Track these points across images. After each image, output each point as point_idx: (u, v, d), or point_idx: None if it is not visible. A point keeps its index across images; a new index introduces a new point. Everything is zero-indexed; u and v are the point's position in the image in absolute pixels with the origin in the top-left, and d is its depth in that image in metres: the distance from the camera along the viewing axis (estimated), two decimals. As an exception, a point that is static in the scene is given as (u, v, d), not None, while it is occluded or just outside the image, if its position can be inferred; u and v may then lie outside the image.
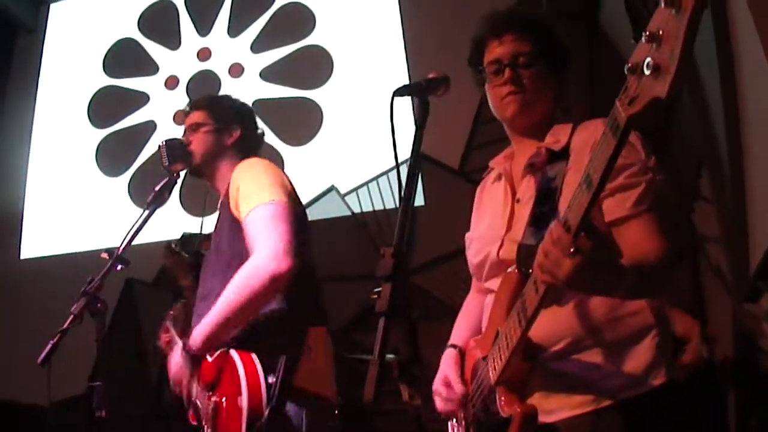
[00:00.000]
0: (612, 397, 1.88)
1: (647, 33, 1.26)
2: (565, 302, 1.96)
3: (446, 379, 2.22)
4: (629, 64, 1.32)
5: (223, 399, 2.57)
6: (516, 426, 1.84)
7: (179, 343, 2.83)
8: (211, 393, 2.64)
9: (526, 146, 2.20)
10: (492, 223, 2.20)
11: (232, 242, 2.81)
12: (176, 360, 2.82)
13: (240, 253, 2.71)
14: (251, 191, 2.78)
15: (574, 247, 1.52)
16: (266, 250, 2.59)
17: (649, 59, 1.26)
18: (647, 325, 1.94)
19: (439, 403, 2.24)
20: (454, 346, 2.30)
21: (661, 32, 1.25)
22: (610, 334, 1.93)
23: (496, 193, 2.27)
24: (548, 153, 2.09)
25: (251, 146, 3.23)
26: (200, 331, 2.68)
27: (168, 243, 3.29)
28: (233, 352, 2.60)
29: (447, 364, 2.26)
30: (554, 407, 1.92)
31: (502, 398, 1.90)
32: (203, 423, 2.65)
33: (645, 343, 1.92)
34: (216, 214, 3.10)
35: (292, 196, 2.88)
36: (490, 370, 1.95)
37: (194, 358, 2.72)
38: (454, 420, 2.20)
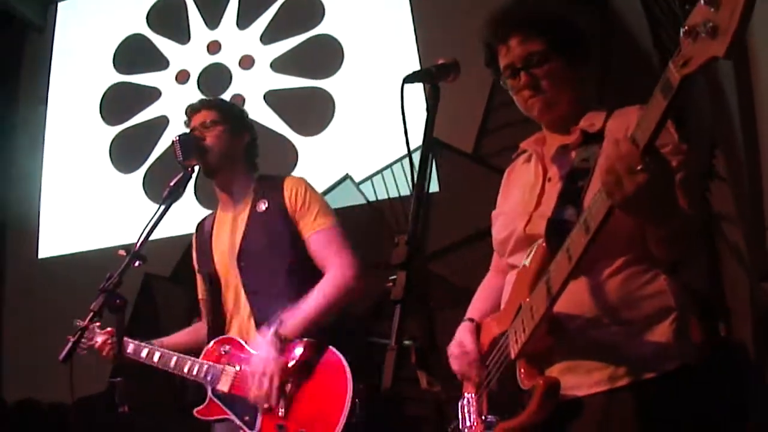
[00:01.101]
0: (629, 376, 1.89)
1: None
2: (590, 277, 1.97)
3: (461, 343, 2.24)
4: (686, 27, 1.37)
5: (308, 391, 2.94)
6: (537, 397, 1.85)
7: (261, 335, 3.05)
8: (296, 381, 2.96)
9: (558, 131, 2.21)
10: (520, 200, 2.21)
11: (287, 246, 3.20)
12: (262, 358, 2.99)
13: (299, 259, 3.18)
14: (319, 210, 3.24)
15: (642, 165, 1.53)
16: (350, 269, 3.13)
17: (708, 22, 1.31)
18: (668, 307, 1.94)
19: (453, 363, 2.26)
20: (471, 320, 2.32)
21: None
22: (630, 313, 1.93)
23: (526, 173, 2.28)
24: (583, 135, 2.09)
25: (254, 156, 3.50)
26: (296, 322, 3.00)
27: None
28: (339, 354, 2.96)
29: (462, 332, 2.29)
30: (572, 383, 1.93)
31: (522, 370, 1.91)
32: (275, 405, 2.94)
33: (664, 325, 1.92)
34: (243, 215, 3.33)
35: None
36: (511, 343, 1.96)
37: (282, 344, 2.99)
38: (464, 398, 2.21)
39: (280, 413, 2.93)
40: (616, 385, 1.89)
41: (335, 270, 3.12)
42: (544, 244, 1.96)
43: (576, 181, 2.01)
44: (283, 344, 2.98)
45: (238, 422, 3.03)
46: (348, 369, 2.91)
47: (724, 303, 4.14)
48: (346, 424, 2.80)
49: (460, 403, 2.22)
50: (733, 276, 4.10)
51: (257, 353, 3.02)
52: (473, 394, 2.17)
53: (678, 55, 1.39)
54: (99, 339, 3.43)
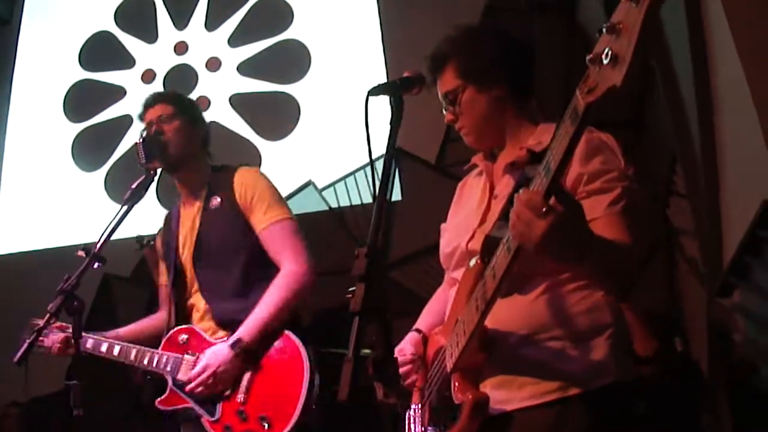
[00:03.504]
0: (568, 390, 1.90)
1: (608, 25, 1.32)
2: (527, 293, 1.99)
3: (402, 350, 2.29)
4: (590, 55, 1.37)
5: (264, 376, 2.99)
6: (466, 412, 1.89)
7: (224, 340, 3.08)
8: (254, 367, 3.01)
9: (508, 149, 2.23)
10: (467, 216, 2.24)
11: (240, 241, 3.19)
12: (219, 355, 3.01)
13: (252, 254, 3.16)
14: (270, 203, 3.21)
15: (546, 208, 1.53)
16: (303, 264, 3.12)
17: (608, 49, 1.31)
18: (605, 323, 1.96)
19: (402, 363, 2.28)
20: (418, 331, 2.36)
21: (620, 24, 1.30)
22: (568, 327, 1.95)
23: (476, 188, 2.31)
24: (530, 154, 2.11)
25: (209, 145, 3.49)
26: (253, 327, 3.01)
27: (140, 237, 3.38)
28: (294, 338, 3.03)
29: (404, 342, 2.34)
30: (510, 396, 1.95)
31: (456, 384, 1.94)
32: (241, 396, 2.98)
33: (600, 340, 1.93)
34: (198, 212, 3.31)
35: None
36: (447, 357, 1.98)
37: (248, 351, 3.00)
38: (411, 408, 2.23)
39: (239, 399, 2.98)
40: (545, 399, 1.91)
41: (288, 267, 3.11)
42: (479, 261, 1.98)
43: None
44: (246, 354, 3.00)
45: (198, 410, 3.05)
46: (303, 350, 2.97)
47: (681, 318, 4.19)
48: (304, 405, 2.87)
49: (407, 414, 2.24)
50: (690, 291, 4.15)
51: (214, 353, 3.04)
52: (418, 405, 2.20)
53: (584, 81, 1.39)
54: (51, 337, 3.38)
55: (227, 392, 3.01)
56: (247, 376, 3.01)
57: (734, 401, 3.58)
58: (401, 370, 2.27)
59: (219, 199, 3.27)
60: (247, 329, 3.01)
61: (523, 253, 1.64)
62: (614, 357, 1.92)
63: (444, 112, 2.29)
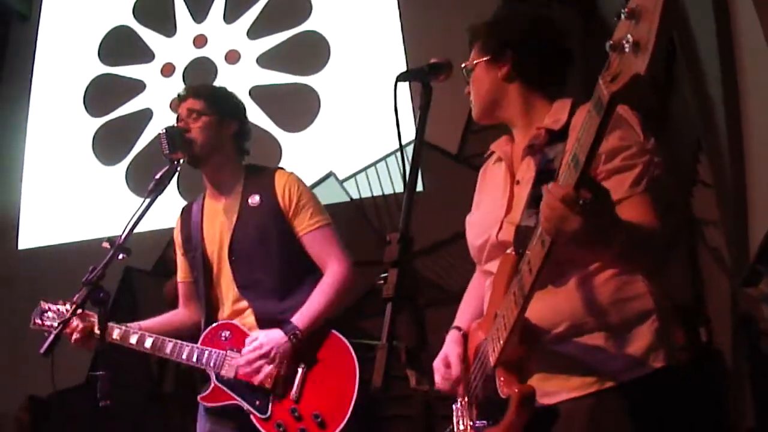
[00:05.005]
0: (612, 380, 1.89)
1: (627, 10, 1.29)
2: (564, 285, 1.97)
3: (446, 358, 2.24)
4: (611, 41, 1.34)
5: (318, 377, 3.08)
6: (514, 406, 1.85)
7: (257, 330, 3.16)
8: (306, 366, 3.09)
9: (524, 129, 2.21)
10: (492, 206, 2.21)
11: (280, 242, 3.25)
12: (272, 337, 3.08)
13: (291, 256, 3.24)
14: (314, 208, 3.31)
15: (579, 201, 1.52)
16: (348, 268, 3.24)
17: (629, 36, 1.28)
18: (647, 310, 1.94)
19: (438, 380, 2.26)
20: (457, 328, 2.32)
21: (639, 8, 1.27)
22: (610, 317, 1.93)
23: (496, 176, 2.28)
24: (548, 133, 2.09)
25: (244, 142, 3.47)
26: (307, 317, 3.10)
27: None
28: (344, 339, 3.13)
29: (448, 345, 2.28)
30: (554, 389, 1.93)
31: (501, 379, 1.91)
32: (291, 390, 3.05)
33: (644, 327, 1.92)
34: (234, 207, 3.34)
35: None
36: (490, 351, 1.96)
37: (300, 339, 3.08)
38: (458, 401, 2.21)
39: (292, 396, 3.04)
40: (597, 388, 1.89)
41: (336, 268, 3.22)
42: (512, 253, 1.97)
43: (543, 183, 2.00)
44: (298, 341, 3.07)
45: (247, 407, 3.07)
46: (353, 350, 3.06)
47: (705, 309, 4.16)
48: (356, 404, 2.94)
49: (454, 407, 2.22)
50: (713, 280, 4.12)
51: (266, 334, 3.10)
52: (464, 399, 2.17)
53: (606, 69, 1.37)
54: (71, 326, 3.24)
55: (279, 390, 3.05)
56: (299, 374, 3.07)
57: (758, 391, 3.55)
58: (441, 383, 2.24)
59: (258, 198, 3.30)
60: (300, 318, 3.10)
61: (556, 246, 1.63)
62: (660, 343, 1.91)
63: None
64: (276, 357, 3.04)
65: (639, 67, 1.28)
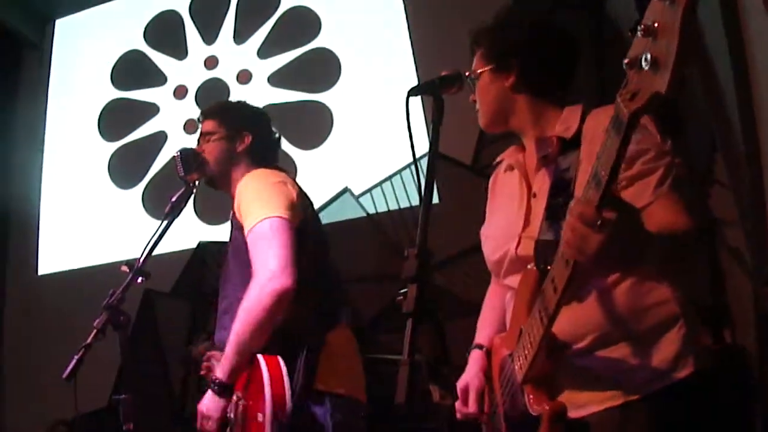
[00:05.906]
0: (639, 392, 1.86)
1: (642, 26, 1.25)
2: (586, 297, 1.94)
3: (466, 389, 2.22)
4: (627, 59, 1.30)
5: (250, 402, 2.65)
6: (546, 424, 1.83)
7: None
8: (239, 397, 2.69)
9: (535, 138, 2.18)
10: (507, 219, 2.17)
11: (244, 261, 2.81)
12: (204, 404, 2.76)
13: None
14: (250, 208, 2.82)
15: (600, 220, 1.48)
16: (264, 273, 2.67)
17: (647, 53, 1.25)
18: (674, 315, 1.91)
19: (457, 406, 2.24)
20: (480, 346, 2.29)
21: (656, 25, 1.23)
22: (636, 326, 1.90)
23: (510, 186, 2.24)
24: (560, 142, 2.07)
25: (264, 152, 3.22)
26: (224, 365, 2.71)
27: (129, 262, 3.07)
28: (259, 357, 2.67)
29: (471, 369, 2.25)
30: (584, 401, 1.90)
31: (531, 396, 1.88)
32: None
33: (672, 333, 1.89)
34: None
35: (292, 205, 2.86)
36: (516, 368, 1.94)
37: (226, 389, 2.72)
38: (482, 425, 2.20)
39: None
40: (628, 399, 1.86)
41: (254, 282, 2.70)
42: (533, 268, 1.95)
43: (559, 195, 1.99)
44: (226, 389, 2.72)
45: None
46: (268, 374, 2.61)
47: (728, 310, 4.13)
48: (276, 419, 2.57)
49: (483, 426, 2.21)
50: (736, 282, 4.09)
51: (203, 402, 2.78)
52: (491, 415, 2.16)
53: (624, 87, 1.33)
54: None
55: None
56: (239, 408, 2.69)
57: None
58: (461, 412, 2.22)
59: (233, 212, 3.00)
60: (221, 369, 2.73)
61: (579, 266, 1.60)
62: (689, 349, 1.88)
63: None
64: (213, 419, 2.71)
65: (659, 85, 1.24)
